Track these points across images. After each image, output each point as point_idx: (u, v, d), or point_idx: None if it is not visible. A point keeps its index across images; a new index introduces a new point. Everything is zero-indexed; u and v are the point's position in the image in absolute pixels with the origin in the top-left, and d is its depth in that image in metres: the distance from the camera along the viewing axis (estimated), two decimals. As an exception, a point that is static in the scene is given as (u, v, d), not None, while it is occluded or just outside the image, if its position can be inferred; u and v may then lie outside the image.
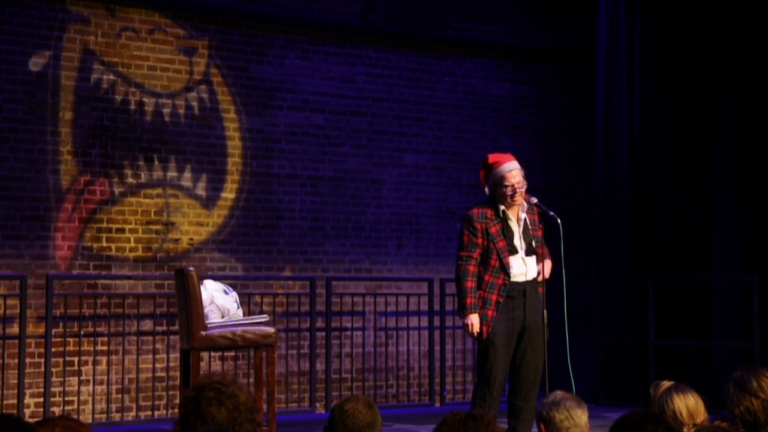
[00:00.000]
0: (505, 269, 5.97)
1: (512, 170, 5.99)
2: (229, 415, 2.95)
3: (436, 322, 9.34)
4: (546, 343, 6.09)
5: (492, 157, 6.11)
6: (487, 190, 6.10)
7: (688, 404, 3.79)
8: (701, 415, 3.81)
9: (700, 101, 9.66)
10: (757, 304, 8.45)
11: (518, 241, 6.03)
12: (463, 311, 5.97)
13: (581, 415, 3.61)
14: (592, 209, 9.97)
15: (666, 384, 3.91)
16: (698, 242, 9.62)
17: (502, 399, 6.14)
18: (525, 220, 6.07)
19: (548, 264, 6.13)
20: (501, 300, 5.95)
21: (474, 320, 5.94)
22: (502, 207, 6.02)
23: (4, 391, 7.76)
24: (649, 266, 9.51)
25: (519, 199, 6.01)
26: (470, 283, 5.96)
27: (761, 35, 9.24)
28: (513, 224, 6.03)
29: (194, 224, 8.74)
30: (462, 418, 3.01)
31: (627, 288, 9.48)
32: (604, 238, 9.71)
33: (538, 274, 6.09)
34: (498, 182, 5.99)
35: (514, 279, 5.99)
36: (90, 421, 8.04)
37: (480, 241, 5.97)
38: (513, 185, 5.96)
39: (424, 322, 9.40)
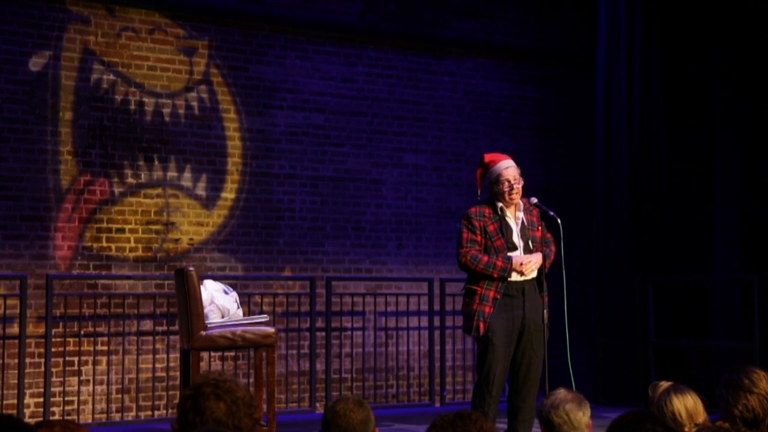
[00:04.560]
0: None
1: (508, 168, 6.05)
2: (228, 408, 2.94)
3: (436, 322, 9.34)
4: (546, 343, 6.10)
5: (488, 156, 6.16)
6: (479, 191, 6.14)
7: (687, 405, 3.78)
8: (701, 416, 3.80)
9: (700, 101, 9.67)
10: (757, 304, 8.45)
11: (516, 239, 6.04)
12: (505, 270, 5.92)
13: (581, 418, 3.58)
14: (592, 209, 9.97)
15: (664, 385, 3.90)
16: (698, 242, 9.62)
17: (502, 399, 6.13)
18: (523, 219, 6.09)
19: (538, 257, 6.07)
20: (498, 297, 5.95)
21: (517, 260, 5.93)
22: (500, 204, 6.04)
23: (4, 391, 7.76)
24: (649, 266, 9.50)
25: (516, 196, 6.04)
26: (486, 257, 5.95)
27: (761, 35, 9.24)
28: (511, 222, 6.06)
29: (194, 224, 8.74)
30: (450, 418, 3.02)
31: (627, 288, 9.48)
32: (604, 238, 9.71)
33: (539, 273, 6.09)
34: (495, 180, 6.03)
35: (512, 277, 5.99)
36: (90, 421, 8.04)
37: (479, 239, 5.99)
38: (509, 181, 5.99)
39: (424, 322, 9.40)
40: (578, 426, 3.54)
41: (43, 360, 7.87)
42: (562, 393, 3.65)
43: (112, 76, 8.48)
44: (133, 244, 8.47)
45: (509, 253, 5.99)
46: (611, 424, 3.16)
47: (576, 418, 3.55)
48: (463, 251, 5.99)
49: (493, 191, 6.07)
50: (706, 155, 9.57)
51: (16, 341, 7.80)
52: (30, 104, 8.16)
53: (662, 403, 3.79)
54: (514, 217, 6.08)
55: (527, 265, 5.97)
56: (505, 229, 6.03)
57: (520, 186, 6.04)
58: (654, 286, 9.21)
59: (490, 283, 5.96)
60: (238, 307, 6.48)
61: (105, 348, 8.24)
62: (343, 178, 9.36)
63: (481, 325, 5.92)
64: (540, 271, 6.07)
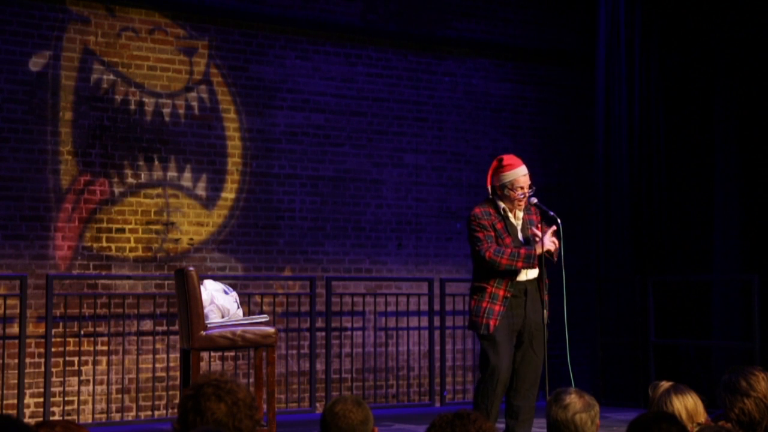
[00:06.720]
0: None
1: (525, 175, 6.13)
2: (228, 410, 2.94)
3: (436, 322, 9.34)
4: (546, 343, 6.11)
5: (507, 159, 6.18)
6: (489, 187, 6.15)
7: (687, 405, 3.78)
8: (701, 416, 3.80)
9: (700, 101, 9.67)
10: (757, 304, 8.45)
11: (520, 239, 6.10)
12: (530, 257, 5.95)
13: (590, 428, 3.53)
14: (592, 209, 9.97)
15: (665, 385, 3.89)
16: (698, 242, 9.63)
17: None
18: (523, 219, 6.15)
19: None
20: (508, 295, 6.02)
21: (541, 239, 5.97)
22: (503, 205, 6.09)
23: (4, 391, 7.76)
24: (649, 266, 9.51)
25: (524, 202, 6.14)
26: (508, 249, 5.97)
27: (761, 35, 9.24)
28: (514, 222, 6.13)
29: (194, 224, 8.74)
30: (449, 418, 3.01)
31: (627, 288, 9.48)
32: (604, 238, 9.71)
33: (540, 272, 6.12)
34: (508, 184, 6.08)
35: (517, 277, 6.04)
36: (90, 421, 8.05)
37: (492, 234, 6.05)
38: (523, 188, 6.08)
39: (424, 322, 9.40)
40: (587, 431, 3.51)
41: (43, 360, 7.87)
42: (573, 398, 3.55)
43: (112, 76, 8.48)
44: (133, 244, 8.47)
45: None
46: (630, 423, 3.18)
47: (586, 427, 3.51)
48: (484, 246, 6.01)
49: (501, 192, 6.11)
50: (706, 155, 9.57)
51: (16, 341, 7.81)
52: (30, 104, 8.15)
53: (662, 404, 3.78)
54: (515, 217, 6.16)
55: (548, 234, 6.01)
56: (510, 228, 6.10)
57: (528, 194, 6.12)
58: (654, 286, 9.20)
59: (500, 282, 6.01)
60: (238, 307, 6.48)
61: (105, 348, 8.24)
62: (343, 178, 9.36)
63: (491, 323, 5.95)
64: (541, 270, 6.10)
